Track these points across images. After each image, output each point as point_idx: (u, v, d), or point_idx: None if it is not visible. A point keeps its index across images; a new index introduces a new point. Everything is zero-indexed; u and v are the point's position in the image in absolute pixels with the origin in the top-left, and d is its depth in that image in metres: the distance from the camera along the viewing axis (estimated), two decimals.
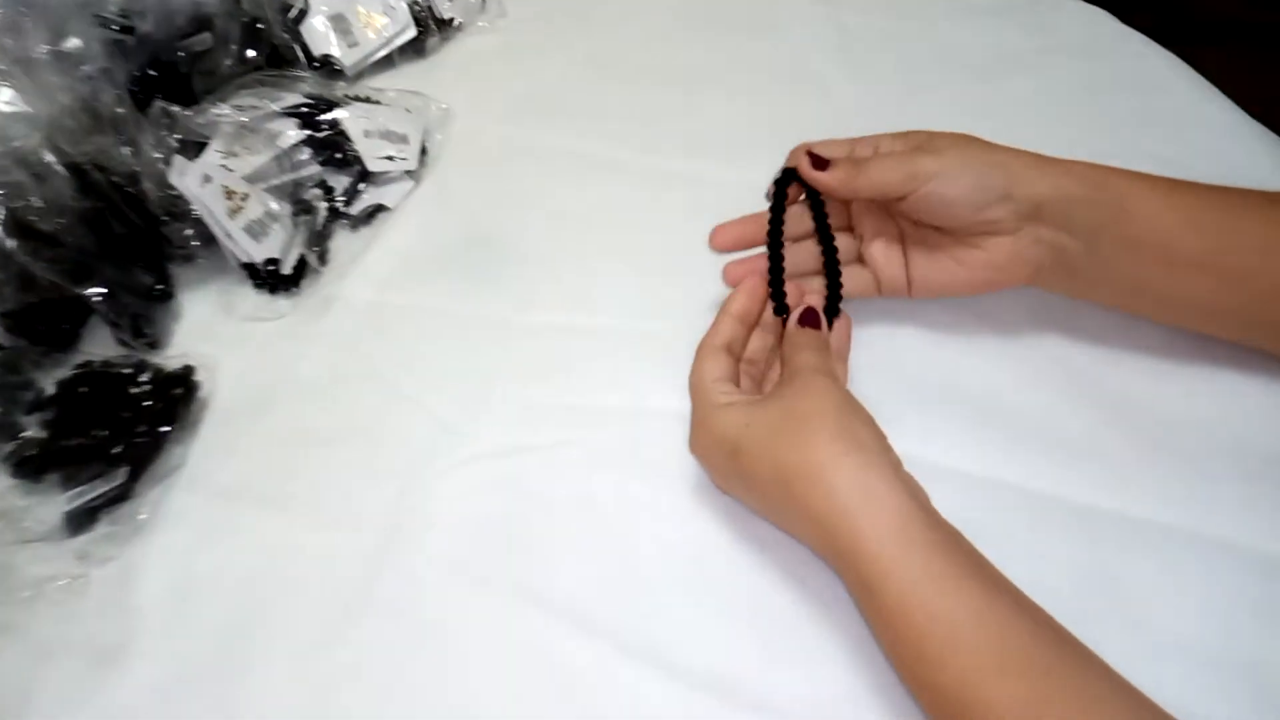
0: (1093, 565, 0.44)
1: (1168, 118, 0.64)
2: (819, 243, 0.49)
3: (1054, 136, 0.61)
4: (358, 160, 0.62)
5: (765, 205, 0.49)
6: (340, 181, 0.62)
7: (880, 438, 0.41)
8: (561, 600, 0.44)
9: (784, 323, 0.47)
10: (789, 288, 0.48)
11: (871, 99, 0.65)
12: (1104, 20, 0.70)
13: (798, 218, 0.50)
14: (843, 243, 0.51)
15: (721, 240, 0.50)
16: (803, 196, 0.49)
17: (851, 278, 0.50)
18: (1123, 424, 0.48)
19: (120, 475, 0.47)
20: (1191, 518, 0.45)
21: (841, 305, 0.48)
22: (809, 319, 0.46)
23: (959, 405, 0.49)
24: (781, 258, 0.48)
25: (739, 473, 0.42)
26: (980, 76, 0.67)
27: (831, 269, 0.49)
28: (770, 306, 0.48)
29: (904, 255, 0.50)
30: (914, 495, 0.39)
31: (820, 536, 0.40)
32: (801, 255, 0.50)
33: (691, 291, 0.54)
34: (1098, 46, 0.69)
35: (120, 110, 0.53)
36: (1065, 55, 0.68)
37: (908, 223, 0.50)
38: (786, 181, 0.48)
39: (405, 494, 0.48)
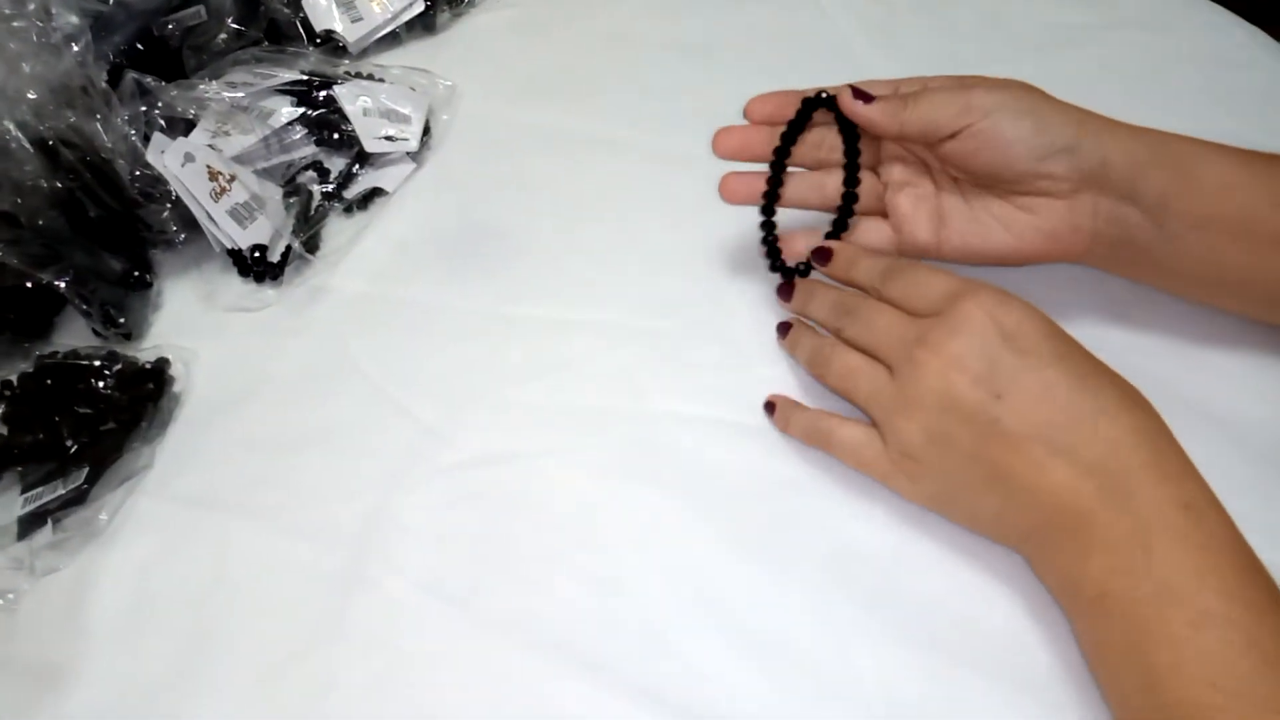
0: None
1: (1246, 95, 0.57)
2: (845, 169, 0.45)
3: (1119, 113, 0.55)
4: (355, 140, 0.58)
5: None
6: (336, 163, 0.58)
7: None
8: (549, 629, 0.39)
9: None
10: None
11: (911, 73, 0.59)
12: None
13: (813, 144, 0.46)
14: (865, 184, 0.46)
15: (725, 146, 0.46)
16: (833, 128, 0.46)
17: (867, 229, 0.46)
18: (1204, 433, 0.42)
19: (79, 477, 0.44)
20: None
21: None
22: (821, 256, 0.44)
23: None
24: (781, 181, 0.45)
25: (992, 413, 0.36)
26: (1034, 51, 0.61)
27: (847, 204, 0.45)
28: None
29: (938, 209, 0.44)
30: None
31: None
32: (805, 187, 0.46)
33: (700, 286, 0.49)
34: (1166, 17, 0.62)
35: (90, 83, 0.49)
36: (1130, 28, 0.61)
37: (948, 173, 0.44)
38: (815, 106, 0.44)
39: (382, 504, 0.43)
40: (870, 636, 0.38)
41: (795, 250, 0.47)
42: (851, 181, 0.45)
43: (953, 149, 0.42)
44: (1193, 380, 0.45)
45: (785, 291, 0.46)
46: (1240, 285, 0.42)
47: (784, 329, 0.46)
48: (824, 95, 0.44)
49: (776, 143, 0.45)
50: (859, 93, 0.43)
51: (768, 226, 0.46)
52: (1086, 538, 0.34)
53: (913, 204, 0.45)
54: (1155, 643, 0.32)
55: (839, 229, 0.46)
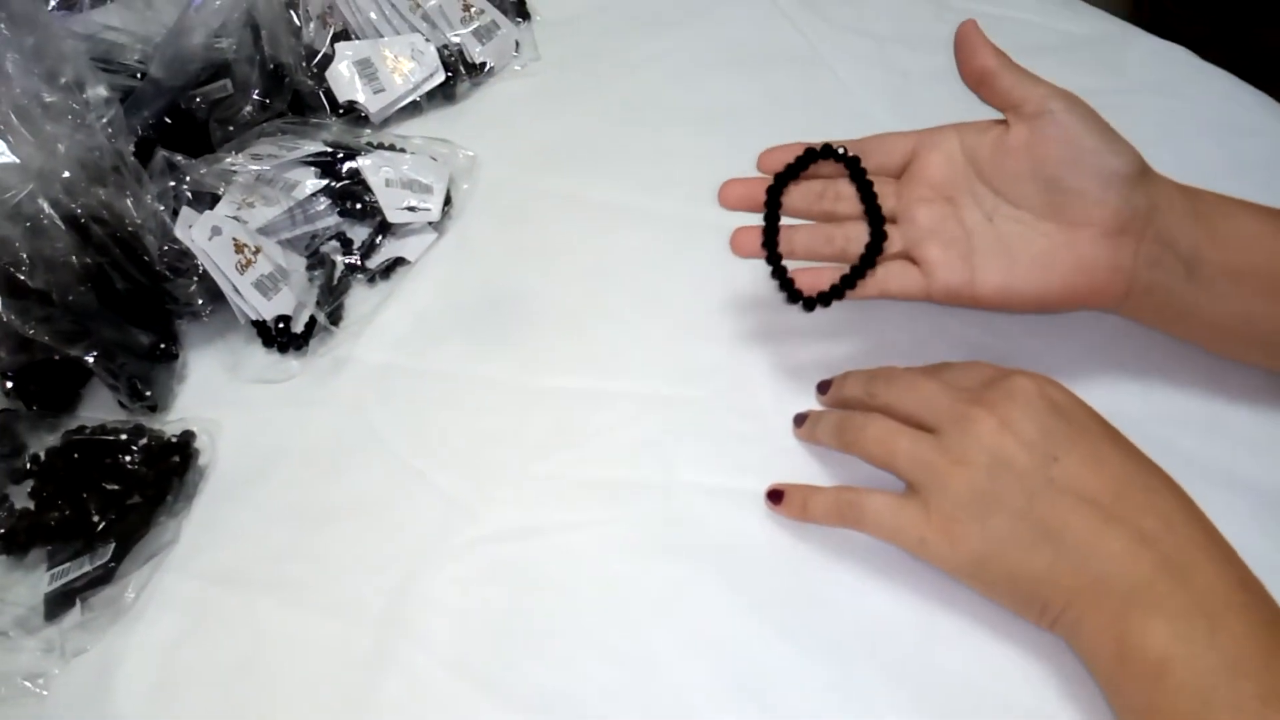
0: None
1: (1258, 162, 0.58)
2: (866, 214, 0.45)
3: None
4: (377, 211, 0.58)
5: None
6: (359, 233, 0.59)
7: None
8: (578, 709, 0.39)
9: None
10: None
11: None
12: (1183, 57, 0.65)
13: (817, 195, 0.46)
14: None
15: (729, 196, 0.47)
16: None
17: (893, 273, 0.44)
18: (1227, 501, 0.42)
19: (105, 553, 0.44)
20: None
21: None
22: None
23: None
24: (778, 215, 0.45)
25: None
26: None
27: (875, 240, 0.44)
28: None
29: (969, 251, 0.43)
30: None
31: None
32: (816, 239, 0.46)
33: (725, 353, 0.50)
34: (1177, 85, 0.63)
35: (121, 160, 0.50)
36: (1141, 95, 0.62)
37: (975, 215, 0.43)
38: (815, 156, 0.45)
39: (408, 580, 0.43)
40: (899, 711, 0.38)
41: (813, 283, 0.46)
42: (877, 223, 0.44)
43: (1022, 136, 0.42)
44: (1213, 447, 0.45)
45: (824, 386, 0.47)
46: (1269, 337, 0.42)
47: (800, 419, 0.46)
48: (829, 148, 0.45)
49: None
50: (974, 34, 0.44)
51: (774, 259, 0.46)
52: (1145, 604, 0.34)
53: (942, 248, 0.44)
54: (1220, 714, 0.32)
55: (860, 272, 0.45)
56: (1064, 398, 0.39)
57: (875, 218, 0.45)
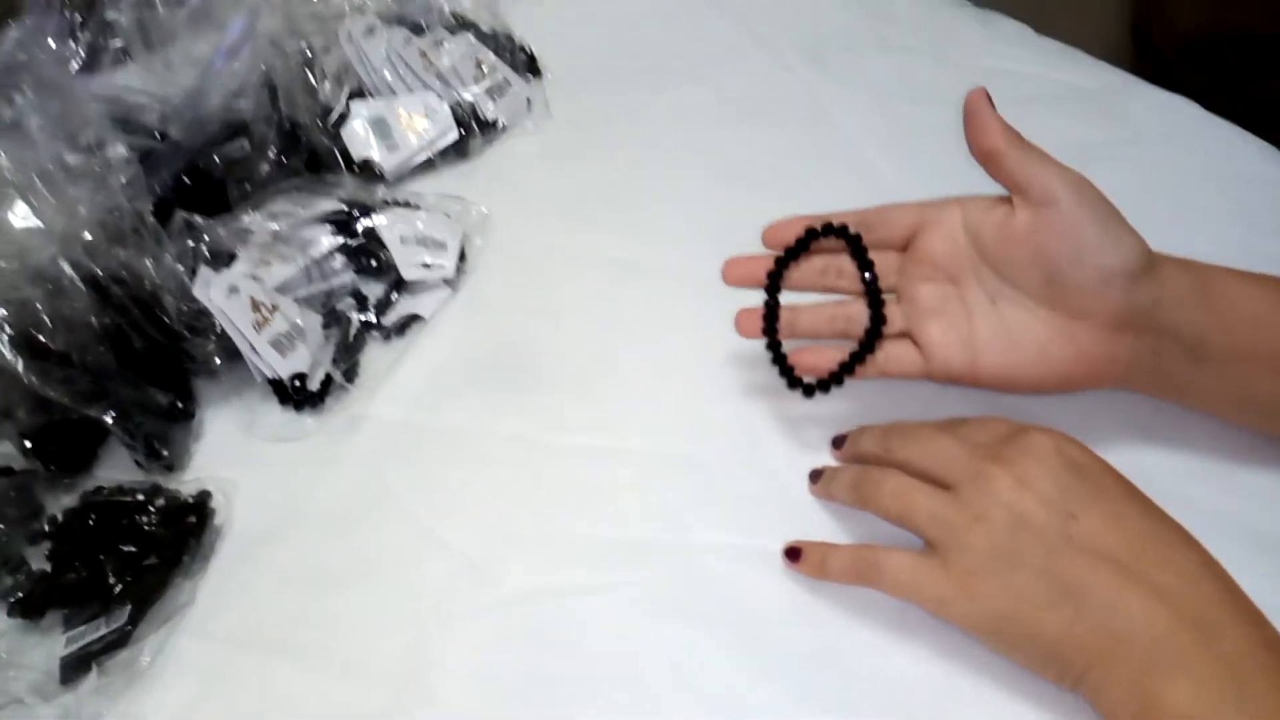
0: None
1: (1264, 212, 0.58)
2: (866, 294, 0.45)
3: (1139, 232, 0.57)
4: (393, 268, 0.59)
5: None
6: (374, 290, 0.59)
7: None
8: None
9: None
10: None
11: (933, 192, 0.60)
12: (1186, 107, 0.66)
13: (820, 271, 0.47)
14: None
15: (733, 275, 0.48)
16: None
17: (894, 353, 0.45)
18: (1234, 553, 0.42)
19: (121, 616, 0.44)
20: None
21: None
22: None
23: None
24: (777, 301, 0.46)
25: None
26: None
27: (875, 325, 0.45)
28: None
29: (970, 333, 0.44)
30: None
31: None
32: (818, 318, 0.47)
33: (736, 410, 0.50)
34: (1180, 135, 0.64)
35: (141, 221, 0.51)
36: (1146, 146, 0.63)
37: (979, 298, 0.44)
38: (815, 235, 0.45)
39: (422, 642, 0.43)
40: None
41: (814, 364, 0.46)
42: (876, 307, 0.45)
43: (1026, 222, 0.41)
44: (1234, 501, 0.44)
45: (838, 442, 0.47)
46: (1271, 409, 0.43)
47: (815, 475, 0.46)
48: (830, 226, 0.45)
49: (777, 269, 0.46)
50: (982, 109, 0.43)
51: (773, 347, 0.46)
52: (1168, 663, 0.34)
53: (943, 330, 0.44)
54: None
55: (860, 357, 0.45)
56: (1081, 455, 0.39)
57: (875, 301, 0.45)
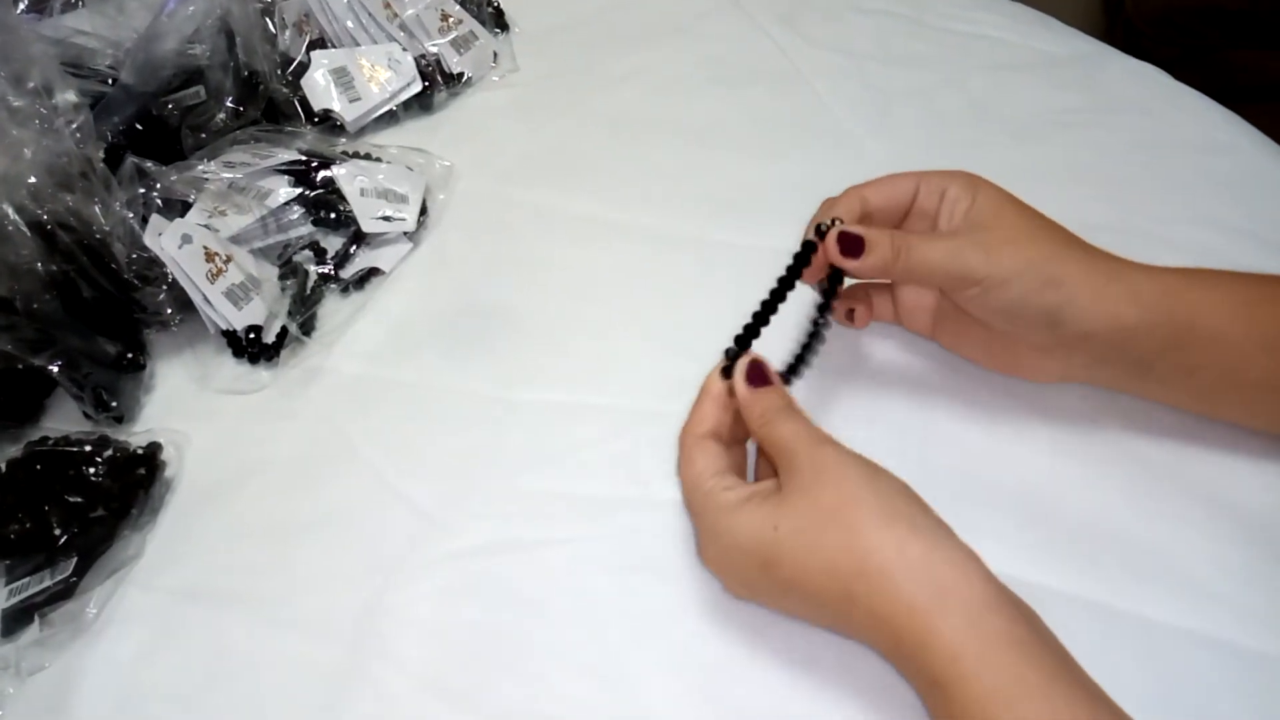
0: (1170, 694, 0.38)
1: (1231, 180, 0.58)
2: (821, 294, 0.44)
3: (1108, 199, 0.57)
4: (352, 220, 0.58)
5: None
6: (333, 243, 0.58)
7: (925, 506, 0.36)
8: None
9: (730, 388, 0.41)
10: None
11: (905, 157, 0.60)
12: (1157, 76, 0.65)
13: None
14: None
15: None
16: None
17: (876, 301, 0.48)
18: (1205, 527, 0.42)
19: (67, 568, 0.42)
20: None
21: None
22: (755, 376, 0.40)
23: (1000, 503, 0.44)
24: (766, 320, 0.42)
25: (778, 585, 0.37)
26: (1024, 135, 0.62)
27: (813, 338, 0.44)
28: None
29: (935, 309, 0.47)
30: (986, 579, 0.34)
31: (888, 639, 0.35)
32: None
33: (702, 367, 0.48)
34: (1151, 104, 0.63)
35: (90, 166, 0.49)
36: (1117, 113, 0.63)
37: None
38: (805, 262, 0.43)
39: (380, 595, 0.42)
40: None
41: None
42: (824, 308, 0.43)
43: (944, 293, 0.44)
44: (1199, 467, 0.45)
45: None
46: (1224, 410, 0.43)
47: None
48: (808, 243, 0.43)
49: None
50: (847, 244, 0.41)
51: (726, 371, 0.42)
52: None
53: (915, 297, 0.47)
54: None
55: (794, 370, 0.44)
56: None
57: (825, 305, 0.43)
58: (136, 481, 0.46)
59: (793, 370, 0.44)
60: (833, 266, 0.42)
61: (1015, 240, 0.40)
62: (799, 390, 0.43)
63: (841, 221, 0.42)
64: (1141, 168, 0.59)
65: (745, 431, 0.42)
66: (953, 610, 0.33)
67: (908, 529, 0.35)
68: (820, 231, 0.42)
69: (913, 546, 0.34)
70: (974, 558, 0.35)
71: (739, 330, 0.42)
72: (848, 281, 0.44)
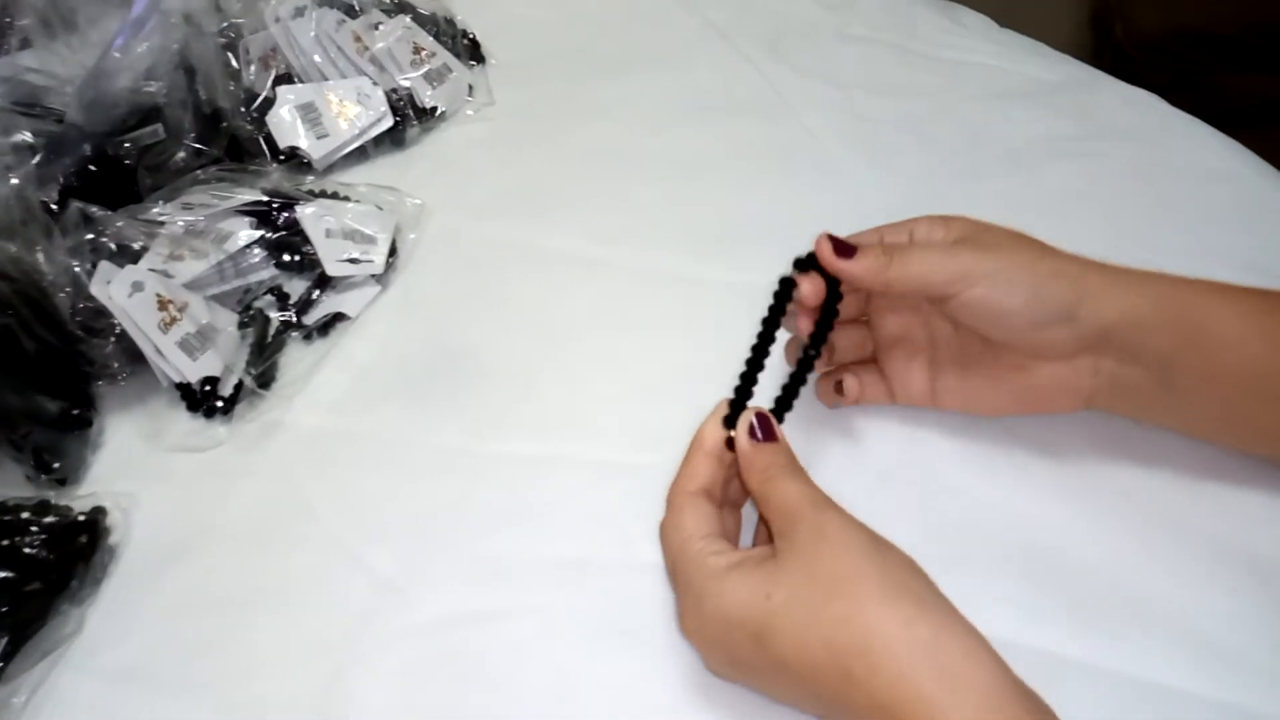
0: None
1: (1230, 205, 0.56)
2: (815, 324, 0.40)
3: (1105, 229, 0.54)
4: (316, 263, 0.55)
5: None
6: (296, 287, 0.55)
7: (931, 584, 0.33)
8: None
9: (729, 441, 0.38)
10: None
11: (896, 189, 0.58)
12: (1151, 102, 0.63)
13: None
14: (853, 336, 0.44)
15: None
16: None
17: (863, 381, 0.44)
18: (1221, 580, 0.40)
19: None
20: None
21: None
22: (765, 429, 0.37)
23: (1006, 558, 0.41)
24: (761, 365, 0.40)
25: (768, 661, 0.33)
26: (1016, 163, 0.59)
27: (799, 373, 0.40)
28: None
29: (932, 363, 0.43)
30: (997, 665, 0.31)
31: None
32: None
33: (690, 416, 0.45)
34: (1147, 130, 0.61)
35: (30, 214, 0.46)
36: (1112, 140, 0.61)
37: (943, 326, 0.42)
38: (793, 284, 0.40)
39: (338, 674, 0.39)
40: None
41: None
42: (818, 340, 0.40)
43: (948, 310, 0.40)
44: (1208, 518, 0.42)
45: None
46: (1250, 431, 0.41)
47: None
48: (801, 258, 0.41)
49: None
50: (840, 246, 0.39)
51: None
52: None
53: (905, 361, 0.44)
54: None
55: (785, 402, 0.41)
56: None
57: (820, 335, 0.40)
58: (77, 551, 0.42)
59: (781, 406, 0.41)
60: (824, 300, 0.40)
61: (1004, 245, 0.39)
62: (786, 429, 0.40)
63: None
64: (1136, 194, 0.57)
65: (740, 494, 0.39)
66: (964, 701, 0.30)
67: (914, 607, 0.32)
68: (798, 264, 0.40)
69: (920, 626, 0.31)
70: (984, 642, 0.32)
71: (737, 380, 0.40)
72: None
